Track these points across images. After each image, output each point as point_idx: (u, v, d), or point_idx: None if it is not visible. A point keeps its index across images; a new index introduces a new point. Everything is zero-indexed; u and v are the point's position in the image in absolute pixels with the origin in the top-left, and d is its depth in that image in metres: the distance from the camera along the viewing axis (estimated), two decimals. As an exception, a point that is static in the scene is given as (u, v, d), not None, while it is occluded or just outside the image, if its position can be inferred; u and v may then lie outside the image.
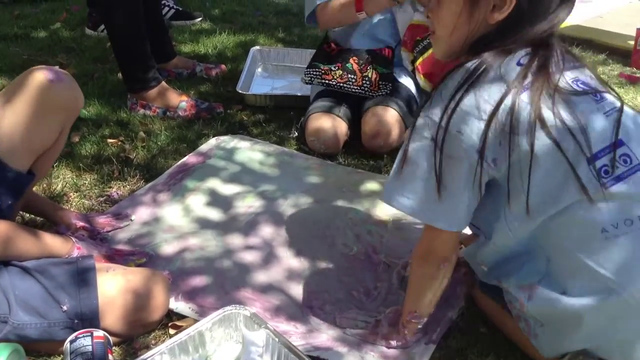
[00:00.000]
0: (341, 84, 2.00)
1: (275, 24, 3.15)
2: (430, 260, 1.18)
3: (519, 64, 1.03)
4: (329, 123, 1.97)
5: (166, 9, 3.06)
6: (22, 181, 1.27)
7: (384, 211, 1.71)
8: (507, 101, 0.99)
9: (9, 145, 1.20)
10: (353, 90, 2.01)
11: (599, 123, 1.02)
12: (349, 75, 1.99)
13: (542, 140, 0.99)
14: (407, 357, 1.25)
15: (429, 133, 1.03)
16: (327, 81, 2.01)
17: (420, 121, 1.05)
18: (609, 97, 1.05)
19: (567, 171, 1.00)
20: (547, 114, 0.99)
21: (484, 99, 1.00)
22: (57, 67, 1.30)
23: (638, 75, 2.64)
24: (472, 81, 1.01)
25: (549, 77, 1.01)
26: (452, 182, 1.04)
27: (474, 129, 1.00)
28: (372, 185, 1.83)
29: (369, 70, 1.99)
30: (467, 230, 1.25)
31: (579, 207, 1.01)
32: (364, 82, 1.99)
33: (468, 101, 1.01)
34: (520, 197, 1.03)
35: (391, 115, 1.95)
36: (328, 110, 2.01)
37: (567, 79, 1.04)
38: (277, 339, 1.17)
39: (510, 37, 1.04)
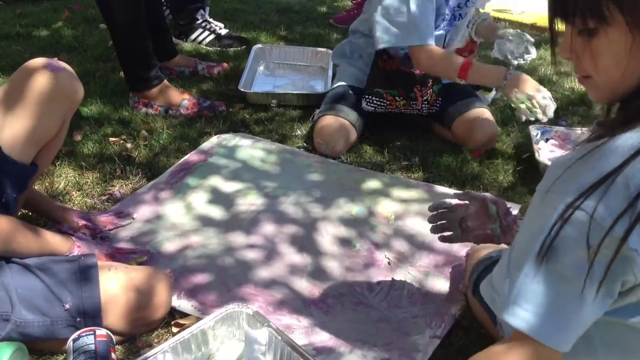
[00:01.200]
0: (402, 110, 2.04)
1: (277, 22, 3.14)
2: None
3: None
4: (339, 128, 1.96)
5: (168, 10, 3.06)
6: (26, 173, 1.28)
7: (385, 208, 1.71)
8: None
9: (11, 138, 1.21)
10: (412, 113, 2.04)
11: None
12: (411, 102, 2.02)
13: None
14: (411, 349, 1.25)
15: (585, 238, 0.73)
16: (390, 110, 2.03)
17: (579, 216, 0.73)
18: None
19: None
20: None
21: None
22: (55, 59, 1.31)
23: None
24: None
25: None
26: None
27: None
28: (373, 183, 1.83)
29: (428, 94, 2.01)
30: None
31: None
32: (423, 105, 2.02)
33: None
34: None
35: (490, 117, 2.02)
36: (341, 114, 1.99)
37: None
38: (280, 337, 1.17)
39: None
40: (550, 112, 1.79)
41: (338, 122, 1.98)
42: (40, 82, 1.25)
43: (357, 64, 2.14)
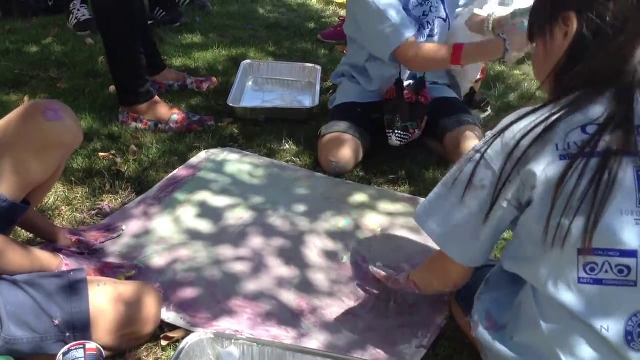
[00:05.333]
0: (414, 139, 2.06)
1: (266, 38, 3.18)
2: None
3: (585, 131, 0.96)
4: (351, 149, 1.96)
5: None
6: (16, 210, 1.26)
7: (372, 221, 1.73)
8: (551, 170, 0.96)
9: (3, 181, 1.19)
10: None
11: (630, 230, 0.92)
12: (418, 131, 2.02)
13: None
14: (399, 359, 1.27)
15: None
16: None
17: (474, 157, 1.05)
18: None
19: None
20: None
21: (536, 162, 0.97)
22: (56, 103, 1.28)
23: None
24: (537, 137, 0.97)
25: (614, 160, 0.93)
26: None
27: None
28: (360, 197, 1.85)
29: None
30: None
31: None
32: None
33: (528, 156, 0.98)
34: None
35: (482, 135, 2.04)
36: (354, 133, 1.99)
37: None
38: (254, 344, 1.18)
39: (572, 70, 1.01)
40: None
41: (350, 140, 1.97)
42: (37, 132, 1.21)
43: (360, 80, 2.13)
